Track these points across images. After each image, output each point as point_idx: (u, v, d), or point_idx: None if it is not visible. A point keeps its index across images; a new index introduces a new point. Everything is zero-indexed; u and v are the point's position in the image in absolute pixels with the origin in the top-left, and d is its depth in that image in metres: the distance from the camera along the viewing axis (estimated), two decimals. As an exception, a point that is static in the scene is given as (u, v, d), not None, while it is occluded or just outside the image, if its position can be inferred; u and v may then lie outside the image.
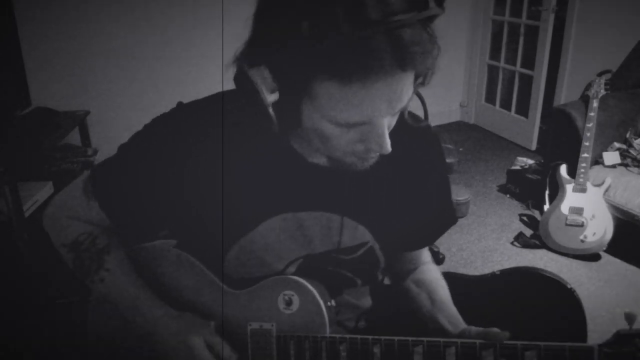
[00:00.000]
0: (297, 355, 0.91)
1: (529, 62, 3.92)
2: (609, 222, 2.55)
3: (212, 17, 3.23)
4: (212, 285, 0.98)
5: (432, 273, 1.09)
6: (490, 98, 4.43)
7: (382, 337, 0.86)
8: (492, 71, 4.35)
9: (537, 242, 2.77)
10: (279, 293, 0.93)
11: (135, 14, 3.18)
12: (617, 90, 2.83)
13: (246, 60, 0.73)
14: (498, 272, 1.18)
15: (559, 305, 1.11)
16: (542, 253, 2.72)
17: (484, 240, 2.87)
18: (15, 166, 2.34)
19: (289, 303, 0.92)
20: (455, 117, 4.63)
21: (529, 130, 4.00)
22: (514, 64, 4.08)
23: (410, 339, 0.85)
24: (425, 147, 1.00)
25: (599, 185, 2.60)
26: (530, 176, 3.20)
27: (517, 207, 3.20)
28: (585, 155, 2.60)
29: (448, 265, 2.63)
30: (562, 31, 3.66)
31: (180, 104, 0.94)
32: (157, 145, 0.91)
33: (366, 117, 0.73)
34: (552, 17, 3.65)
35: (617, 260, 2.64)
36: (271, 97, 0.72)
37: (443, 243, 2.75)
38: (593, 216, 2.56)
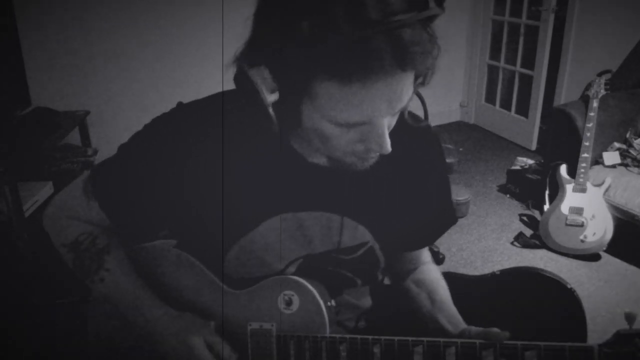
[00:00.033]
0: (297, 355, 0.91)
1: (529, 62, 3.92)
2: (609, 222, 2.55)
3: (212, 17, 3.23)
4: (212, 285, 0.98)
5: (432, 273, 1.09)
6: (490, 98, 4.43)
7: (382, 337, 0.86)
8: (492, 71, 4.35)
9: (537, 242, 2.77)
10: (279, 293, 0.93)
11: (135, 14, 3.18)
12: (617, 90, 2.83)
13: (246, 60, 0.73)
14: (498, 272, 1.18)
15: (559, 305, 1.11)
16: (542, 253, 2.72)
17: (484, 240, 2.87)
18: (15, 166, 2.34)
19: (289, 303, 0.92)
20: (455, 117, 4.63)
21: (529, 130, 4.00)
22: (514, 64, 4.08)
23: (410, 339, 0.85)
24: (425, 147, 1.00)
25: (599, 185, 2.60)
26: (530, 176, 3.20)
27: (517, 207, 3.20)
28: (585, 155, 2.60)
29: (448, 265, 2.63)
30: (562, 31, 3.66)
31: (180, 104, 0.94)
32: (157, 145, 0.91)
33: (366, 117, 0.73)
34: (552, 17, 3.65)
35: (617, 260, 2.63)
36: (271, 97, 0.72)
37: (443, 243, 2.75)
38: (593, 216, 2.56)
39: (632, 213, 2.51)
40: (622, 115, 2.86)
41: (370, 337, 0.87)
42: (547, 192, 2.83)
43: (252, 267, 0.96)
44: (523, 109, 4.06)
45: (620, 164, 2.72)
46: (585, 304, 1.10)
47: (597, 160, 2.77)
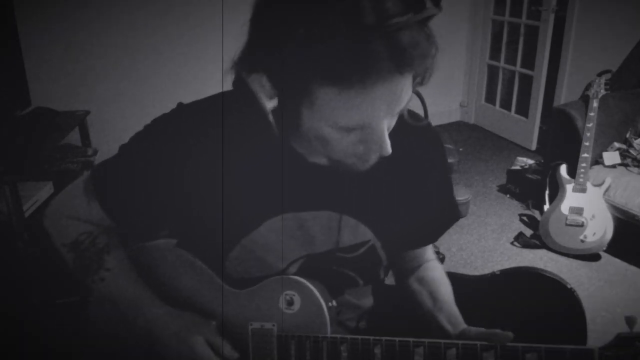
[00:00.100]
0: (298, 355, 0.91)
1: (529, 62, 3.92)
2: (609, 222, 2.55)
3: (212, 17, 3.23)
4: (213, 285, 0.98)
5: (435, 271, 1.09)
6: (490, 98, 4.43)
7: (383, 338, 0.86)
8: (492, 71, 4.35)
9: (537, 242, 2.77)
10: (280, 293, 0.93)
11: (135, 14, 3.18)
12: (617, 90, 2.83)
13: (244, 66, 0.73)
14: (498, 272, 1.18)
15: (559, 305, 1.11)
16: (542, 253, 2.72)
17: (484, 240, 2.87)
18: (15, 166, 2.34)
19: (290, 303, 0.92)
20: (455, 117, 4.63)
21: (529, 130, 4.00)
22: (514, 64, 4.08)
23: (411, 340, 0.85)
24: (425, 145, 1.00)
25: (599, 185, 2.60)
26: (530, 176, 3.20)
27: (517, 207, 3.20)
28: (585, 155, 2.60)
29: (448, 265, 2.63)
30: (562, 31, 3.66)
31: (180, 104, 0.94)
32: (157, 145, 0.91)
33: (366, 120, 0.73)
34: (552, 17, 3.65)
35: (617, 260, 2.64)
36: (270, 104, 0.72)
37: (443, 243, 2.75)
38: (593, 216, 2.56)
39: (632, 213, 2.51)
40: (622, 115, 2.86)
41: (371, 337, 0.87)
42: (547, 192, 2.83)
43: (253, 267, 0.96)
44: (523, 109, 4.06)
45: (620, 164, 2.72)
46: (585, 304, 1.09)
47: (597, 160, 2.78)
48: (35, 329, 2.12)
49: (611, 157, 2.73)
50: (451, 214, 1.08)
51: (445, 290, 1.04)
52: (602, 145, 2.79)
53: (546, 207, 2.79)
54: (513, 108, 4.17)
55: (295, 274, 0.95)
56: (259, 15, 0.72)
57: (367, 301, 1.09)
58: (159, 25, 3.25)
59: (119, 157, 0.96)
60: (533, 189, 3.12)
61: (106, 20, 3.12)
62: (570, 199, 2.62)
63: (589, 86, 2.77)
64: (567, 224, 2.61)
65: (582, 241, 2.58)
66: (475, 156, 3.95)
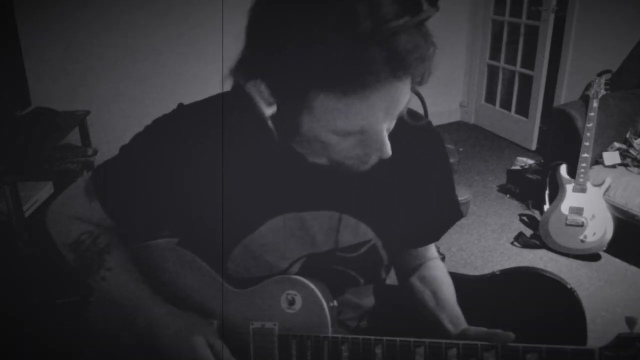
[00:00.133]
0: (299, 355, 0.91)
1: (529, 62, 3.92)
2: (609, 222, 2.55)
3: (212, 17, 3.23)
4: (214, 284, 0.98)
5: (437, 270, 1.09)
6: (490, 98, 4.43)
7: (384, 338, 0.87)
8: (492, 71, 4.35)
9: (537, 242, 2.77)
10: (281, 292, 0.93)
11: (135, 14, 3.18)
12: (617, 90, 2.83)
13: (242, 73, 0.73)
14: (498, 272, 1.18)
15: (559, 306, 1.11)
16: (542, 253, 2.73)
17: (484, 240, 2.87)
18: (15, 166, 2.34)
19: (291, 302, 0.92)
20: (455, 117, 4.63)
21: (529, 130, 4.00)
22: (514, 64, 4.09)
23: (412, 340, 0.85)
24: (426, 145, 1.00)
25: (599, 185, 2.60)
26: (530, 176, 3.20)
27: (517, 207, 3.20)
28: (585, 155, 2.60)
29: (448, 265, 2.60)
30: (562, 31, 3.67)
31: (180, 105, 0.94)
32: (158, 146, 0.91)
33: (365, 125, 0.74)
34: (552, 17, 3.65)
35: (617, 260, 2.64)
36: (269, 111, 0.73)
37: (443, 243, 2.75)
38: (593, 216, 2.56)
39: (632, 213, 2.51)
40: (622, 115, 2.86)
41: (372, 337, 0.87)
42: (547, 192, 2.83)
43: (254, 266, 0.96)
44: (523, 109, 4.06)
45: (620, 164, 2.72)
46: (585, 304, 1.09)
47: (597, 160, 2.78)
48: (35, 329, 2.12)
49: (611, 157, 2.74)
50: (453, 212, 1.08)
51: (447, 290, 1.04)
52: (602, 145, 2.79)
53: (546, 207, 2.79)
54: (513, 108, 4.17)
55: (296, 274, 0.95)
56: (255, 23, 0.72)
57: (368, 301, 1.09)
58: (159, 25, 3.25)
59: (120, 157, 0.96)
60: (533, 189, 3.12)
61: (106, 20, 3.12)
62: (570, 199, 2.62)
63: (589, 86, 2.78)
64: (567, 224, 2.61)
65: (582, 241, 2.59)
66: (475, 156, 3.95)
